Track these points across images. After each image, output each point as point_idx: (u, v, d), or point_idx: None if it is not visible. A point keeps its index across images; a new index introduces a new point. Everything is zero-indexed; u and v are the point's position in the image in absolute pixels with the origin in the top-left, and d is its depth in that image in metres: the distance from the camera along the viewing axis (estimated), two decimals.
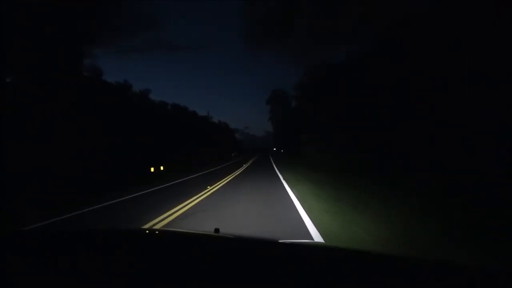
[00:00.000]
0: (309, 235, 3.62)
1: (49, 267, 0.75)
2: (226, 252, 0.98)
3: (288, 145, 48.67)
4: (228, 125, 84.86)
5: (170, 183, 10.25)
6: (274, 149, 73.30)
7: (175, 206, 5.72)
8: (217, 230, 1.28)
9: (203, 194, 7.31)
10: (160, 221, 4.57)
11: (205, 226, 4.22)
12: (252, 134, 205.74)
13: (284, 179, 10.83)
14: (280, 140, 60.06)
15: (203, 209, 5.47)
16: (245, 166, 20.29)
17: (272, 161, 26.95)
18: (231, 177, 11.96)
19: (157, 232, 1.98)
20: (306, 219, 4.45)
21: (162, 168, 17.86)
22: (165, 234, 1.46)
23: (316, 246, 1.48)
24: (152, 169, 16.68)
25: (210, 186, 8.85)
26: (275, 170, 15.74)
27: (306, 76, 27.92)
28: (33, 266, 0.76)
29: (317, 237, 3.56)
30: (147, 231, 2.27)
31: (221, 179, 11.01)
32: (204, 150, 37.68)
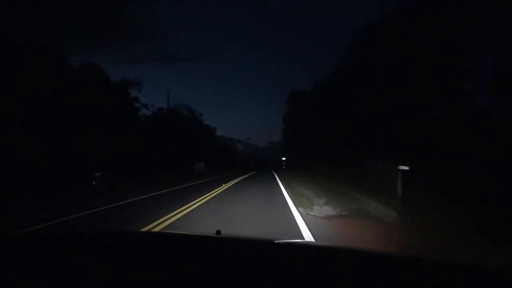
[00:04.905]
0: None
1: (42, 272, 0.75)
2: (225, 254, 0.99)
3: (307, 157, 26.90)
4: (202, 117, 45.04)
5: None
6: (284, 158, 43.37)
7: None
8: (218, 232, 1.31)
9: None
10: None
11: None
12: (255, 145, 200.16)
13: None
14: (292, 145, 35.89)
15: None
16: None
17: None
18: None
19: (158, 234, 2.00)
20: None
21: None
22: (167, 237, 1.49)
23: (309, 246, 1.52)
24: None
25: None
26: None
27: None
28: (25, 269, 0.76)
29: None
30: (148, 234, 2.30)
31: None
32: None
